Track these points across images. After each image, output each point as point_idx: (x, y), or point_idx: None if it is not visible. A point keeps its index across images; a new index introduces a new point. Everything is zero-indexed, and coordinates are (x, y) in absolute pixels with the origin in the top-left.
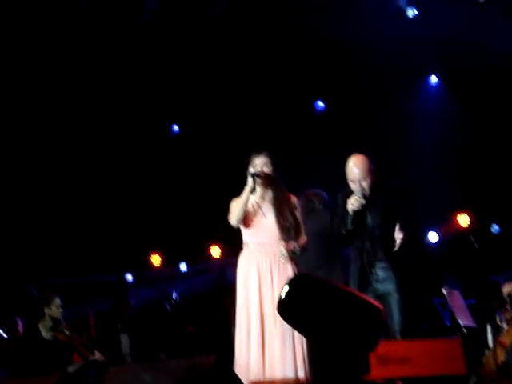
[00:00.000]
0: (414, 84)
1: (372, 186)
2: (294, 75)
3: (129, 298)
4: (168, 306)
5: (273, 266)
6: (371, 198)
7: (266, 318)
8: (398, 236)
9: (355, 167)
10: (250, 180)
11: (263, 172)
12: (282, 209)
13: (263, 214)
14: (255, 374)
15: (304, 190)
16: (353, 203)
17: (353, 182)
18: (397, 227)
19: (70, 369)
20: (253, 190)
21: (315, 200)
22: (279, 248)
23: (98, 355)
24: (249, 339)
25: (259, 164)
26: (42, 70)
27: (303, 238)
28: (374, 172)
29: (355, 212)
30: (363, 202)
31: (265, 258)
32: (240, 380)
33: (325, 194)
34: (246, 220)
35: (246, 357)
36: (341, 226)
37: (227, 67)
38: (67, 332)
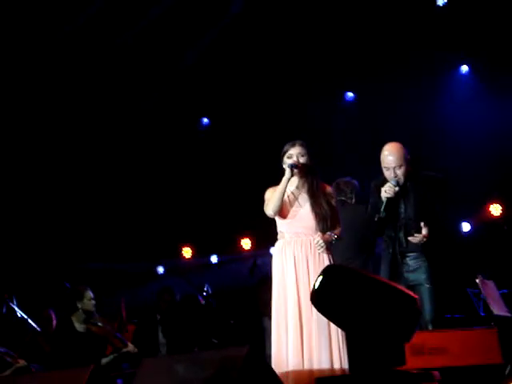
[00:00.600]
0: (446, 74)
1: (406, 175)
2: (323, 66)
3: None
4: (201, 299)
5: (309, 257)
6: (405, 187)
7: (303, 309)
8: (423, 232)
9: (390, 154)
10: (287, 171)
11: (300, 162)
12: (317, 198)
13: (299, 204)
14: (293, 365)
15: (336, 180)
16: (386, 190)
17: (387, 169)
18: (421, 223)
19: (104, 361)
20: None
21: (347, 190)
22: (316, 238)
23: (131, 347)
24: (286, 330)
25: (295, 154)
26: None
27: (339, 228)
28: (409, 161)
29: (388, 200)
30: (397, 189)
31: (301, 248)
32: (273, 370)
33: (356, 182)
34: (283, 210)
35: (285, 348)
36: (374, 213)
37: (257, 59)
38: (100, 324)
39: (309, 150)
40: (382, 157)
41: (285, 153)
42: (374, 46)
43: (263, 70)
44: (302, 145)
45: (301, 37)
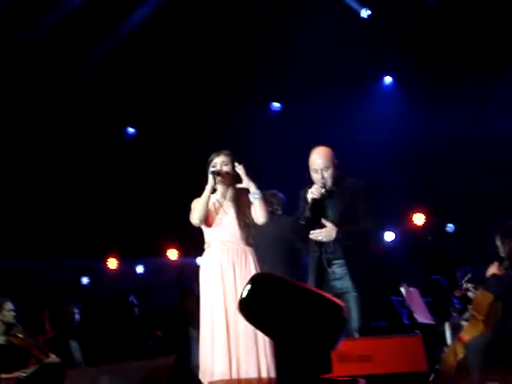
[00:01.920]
0: (370, 84)
1: (334, 180)
2: (251, 74)
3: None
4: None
5: (235, 264)
6: (332, 192)
7: (230, 317)
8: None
9: (318, 157)
10: (210, 178)
11: (223, 170)
12: (241, 206)
13: (224, 211)
14: (220, 375)
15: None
16: (313, 192)
17: (315, 171)
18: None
19: (27, 372)
20: (213, 188)
21: (273, 201)
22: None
23: (53, 357)
24: (213, 339)
25: (218, 163)
26: None
27: None
28: (337, 165)
29: (314, 201)
30: (323, 191)
31: (227, 256)
32: (200, 380)
33: (281, 194)
34: (208, 219)
35: (211, 357)
36: (300, 217)
37: (183, 68)
38: (21, 336)
39: (233, 160)
40: (311, 159)
41: (210, 162)
42: (301, 55)
43: (187, 78)
44: (226, 154)
45: (226, 44)
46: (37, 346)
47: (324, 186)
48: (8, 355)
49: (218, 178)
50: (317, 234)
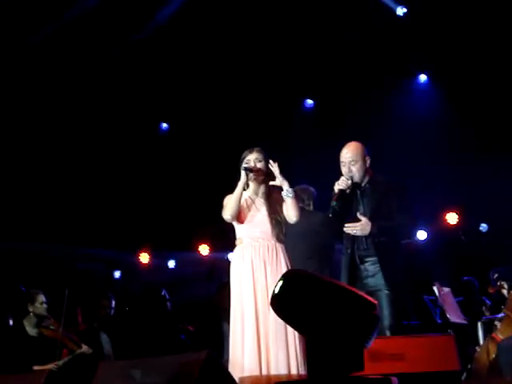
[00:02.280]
0: (404, 82)
1: (363, 174)
2: (285, 71)
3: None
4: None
5: (266, 261)
6: (364, 189)
7: (260, 314)
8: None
9: (347, 151)
10: (242, 175)
11: (255, 167)
12: (273, 203)
13: (256, 208)
14: (249, 370)
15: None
16: (339, 182)
17: (343, 164)
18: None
19: (58, 364)
20: (246, 184)
21: (304, 196)
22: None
23: (85, 348)
24: (243, 335)
25: (251, 159)
26: None
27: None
28: (367, 161)
29: (341, 193)
30: (349, 182)
31: (258, 252)
32: (231, 375)
33: (313, 189)
34: (240, 215)
35: (241, 353)
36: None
37: (216, 63)
38: (52, 327)
39: (266, 156)
40: (341, 154)
41: (243, 159)
42: (335, 53)
43: (221, 73)
44: (259, 151)
45: (261, 38)
46: (69, 337)
47: (351, 179)
48: (40, 347)
49: (251, 175)
50: (351, 228)
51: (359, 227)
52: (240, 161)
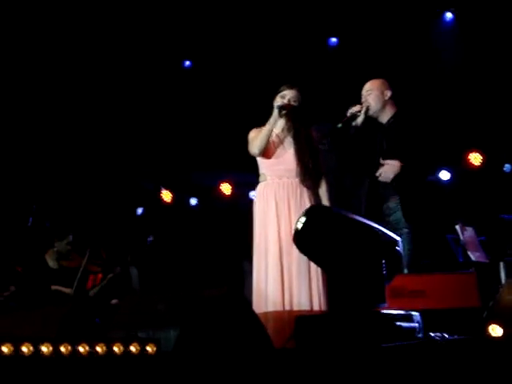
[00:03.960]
0: (428, 20)
1: (384, 110)
2: (307, 10)
3: None
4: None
5: (290, 198)
6: (388, 125)
7: (283, 250)
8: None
9: (366, 84)
10: (275, 111)
11: (290, 104)
12: (302, 144)
13: (284, 146)
14: (273, 306)
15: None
16: (353, 108)
17: (362, 98)
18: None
19: (92, 291)
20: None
21: (318, 136)
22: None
23: (117, 269)
24: (266, 270)
25: (289, 95)
26: None
27: (324, 185)
28: (386, 93)
29: (352, 118)
30: (364, 110)
31: (282, 190)
32: (253, 310)
33: (325, 127)
34: (267, 151)
35: (264, 289)
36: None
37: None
38: (71, 258)
39: (303, 98)
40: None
41: (279, 92)
42: None
43: (249, 12)
44: (298, 90)
45: None
46: (93, 262)
47: (367, 108)
48: (62, 278)
49: (283, 112)
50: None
51: (382, 172)
52: (276, 94)
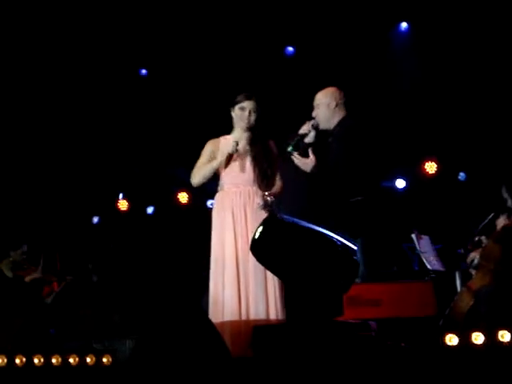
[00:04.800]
0: (385, 30)
1: (332, 121)
2: (265, 19)
3: None
4: None
5: (247, 207)
6: (333, 133)
7: (240, 259)
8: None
9: (316, 96)
10: (231, 146)
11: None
12: (259, 152)
13: (242, 155)
14: (230, 315)
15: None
16: (303, 128)
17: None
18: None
19: (49, 300)
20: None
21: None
22: (257, 202)
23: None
24: (223, 279)
25: (248, 108)
26: None
27: (277, 186)
28: (332, 104)
29: (301, 137)
30: (309, 127)
31: (239, 198)
32: (208, 318)
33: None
34: (225, 160)
35: (221, 296)
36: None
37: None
38: (26, 267)
39: (261, 107)
40: None
41: (237, 103)
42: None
43: (204, 18)
44: (256, 100)
45: None
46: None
47: (316, 124)
48: (19, 288)
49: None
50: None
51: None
52: (233, 103)
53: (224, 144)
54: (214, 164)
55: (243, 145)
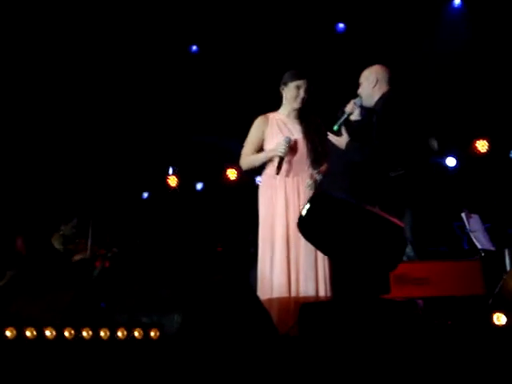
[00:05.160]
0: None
1: (374, 97)
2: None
3: None
4: None
5: (299, 186)
6: (376, 111)
7: (291, 236)
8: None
9: (361, 75)
10: (283, 146)
11: (304, 98)
12: (310, 130)
13: (291, 132)
14: (279, 293)
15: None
16: (347, 107)
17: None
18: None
19: (95, 273)
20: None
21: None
22: (308, 181)
23: (114, 249)
24: (273, 256)
25: (303, 87)
26: None
27: (325, 164)
28: (373, 81)
29: (347, 116)
30: (355, 105)
31: (290, 177)
32: (256, 295)
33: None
34: (272, 138)
35: (269, 274)
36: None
37: None
38: (77, 241)
39: (312, 85)
40: None
41: (291, 80)
42: None
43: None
44: (309, 81)
45: None
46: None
47: (360, 102)
48: (68, 261)
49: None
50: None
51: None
52: (285, 80)
53: (274, 138)
54: (264, 158)
55: (292, 122)
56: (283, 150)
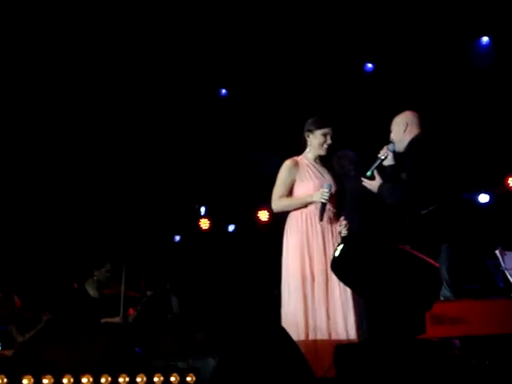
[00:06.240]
0: (464, 44)
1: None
2: (343, 37)
3: None
4: None
5: (333, 225)
6: (405, 152)
7: (329, 278)
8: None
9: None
10: (320, 204)
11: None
12: (334, 173)
13: (321, 174)
14: (316, 335)
15: (335, 152)
16: (381, 152)
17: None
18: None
19: (130, 319)
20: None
21: (345, 163)
22: (338, 228)
23: (149, 293)
24: (306, 299)
25: (329, 134)
26: None
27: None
28: (403, 126)
29: (381, 162)
30: (387, 151)
31: (317, 219)
32: (291, 338)
33: (353, 153)
34: (303, 182)
35: (293, 316)
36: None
37: (277, 28)
38: (111, 285)
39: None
40: None
41: (318, 128)
42: (394, 15)
43: (282, 40)
44: (334, 127)
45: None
46: (131, 289)
47: (393, 148)
48: (102, 306)
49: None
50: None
51: None
52: (311, 127)
53: (305, 182)
54: (302, 203)
55: (320, 167)
56: (326, 197)
